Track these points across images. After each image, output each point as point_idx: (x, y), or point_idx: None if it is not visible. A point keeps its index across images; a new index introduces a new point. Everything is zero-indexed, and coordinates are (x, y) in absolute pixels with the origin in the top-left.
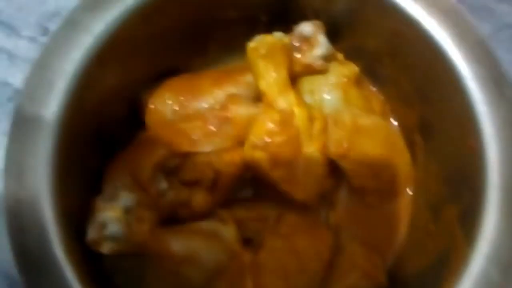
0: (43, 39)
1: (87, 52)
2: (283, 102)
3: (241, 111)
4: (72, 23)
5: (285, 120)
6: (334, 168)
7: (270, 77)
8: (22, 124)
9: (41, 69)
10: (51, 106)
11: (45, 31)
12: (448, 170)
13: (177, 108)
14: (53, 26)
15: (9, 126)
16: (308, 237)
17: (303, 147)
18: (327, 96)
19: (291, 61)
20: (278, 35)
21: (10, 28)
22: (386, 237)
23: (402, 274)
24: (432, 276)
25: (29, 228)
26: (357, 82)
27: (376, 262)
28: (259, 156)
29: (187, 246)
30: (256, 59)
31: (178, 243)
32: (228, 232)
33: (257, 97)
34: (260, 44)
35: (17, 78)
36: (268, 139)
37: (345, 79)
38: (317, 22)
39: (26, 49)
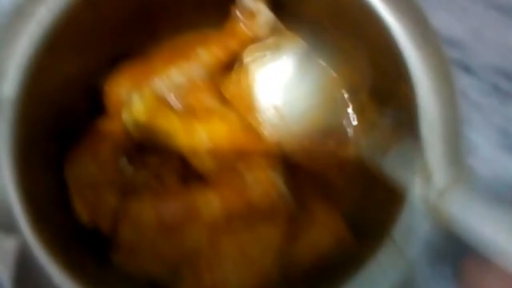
0: None
1: (35, 41)
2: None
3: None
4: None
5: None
6: None
7: (172, 133)
8: None
9: None
10: (4, 94)
11: None
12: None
13: (133, 90)
14: None
15: None
16: None
17: None
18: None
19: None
20: (136, 99)
21: None
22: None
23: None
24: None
25: None
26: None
27: (341, 221)
28: None
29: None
30: (149, 132)
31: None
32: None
33: (212, 73)
34: (136, 119)
35: None
36: None
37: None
38: None
39: None
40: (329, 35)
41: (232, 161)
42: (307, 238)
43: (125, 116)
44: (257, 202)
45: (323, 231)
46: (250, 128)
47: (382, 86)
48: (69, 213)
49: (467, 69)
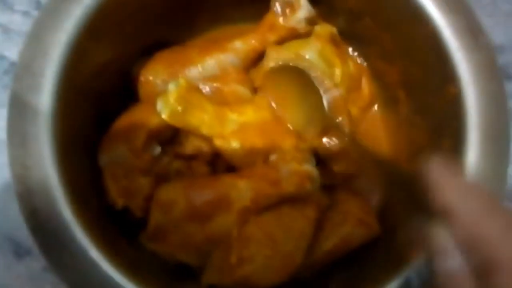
0: (36, 13)
1: (78, 23)
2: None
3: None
4: None
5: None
6: None
7: (205, 121)
8: (21, 94)
9: (35, 41)
10: (48, 77)
11: (38, 5)
12: (431, 120)
13: (167, 79)
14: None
15: (6, 97)
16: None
17: None
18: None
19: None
20: (172, 87)
21: (4, 3)
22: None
23: (389, 221)
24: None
25: (37, 192)
26: (334, 42)
27: (368, 209)
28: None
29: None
30: (183, 119)
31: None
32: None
33: (246, 64)
34: (171, 106)
35: (12, 51)
36: None
37: (321, 36)
38: None
39: (20, 23)
40: (365, 27)
41: (261, 151)
42: (334, 226)
43: (160, 104)
44: (289, 192)
45: (351, 219)
46: (280, 120)
47: (425, 85)
48: (103, 196)
49: (509, 77)
